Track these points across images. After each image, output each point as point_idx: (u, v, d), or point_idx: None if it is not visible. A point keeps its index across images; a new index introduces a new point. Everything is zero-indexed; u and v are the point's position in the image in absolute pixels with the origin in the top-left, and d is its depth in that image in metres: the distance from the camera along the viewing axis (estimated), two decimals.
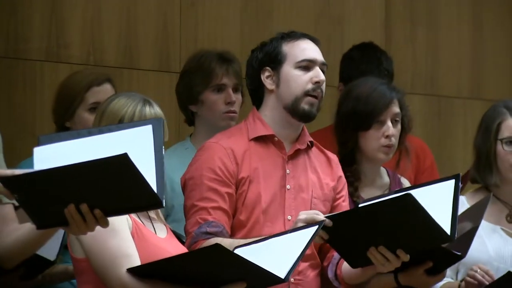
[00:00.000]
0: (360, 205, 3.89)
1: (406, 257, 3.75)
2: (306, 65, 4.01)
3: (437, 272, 3.99)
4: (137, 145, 3.26)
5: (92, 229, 3.18)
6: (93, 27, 5.54)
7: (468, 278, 4.16)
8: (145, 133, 3.28)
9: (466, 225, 4.00)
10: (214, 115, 4.67)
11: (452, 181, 3.89)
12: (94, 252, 3.49)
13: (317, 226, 3.57)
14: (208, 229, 3.86)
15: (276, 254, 3.53)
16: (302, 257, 3.49)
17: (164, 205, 3.23)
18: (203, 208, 3.89)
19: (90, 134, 3.35)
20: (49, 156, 3.29)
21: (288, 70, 4.03)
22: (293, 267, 3.44)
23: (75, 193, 3.14)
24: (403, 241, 3.81)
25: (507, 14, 6.78)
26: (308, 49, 4.06)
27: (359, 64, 5.21)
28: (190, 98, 4.71)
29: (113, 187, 3.13)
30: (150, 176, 3.15)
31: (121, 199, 3.17)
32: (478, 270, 4.14)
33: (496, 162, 4.35)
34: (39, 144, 3.32)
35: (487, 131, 4.38)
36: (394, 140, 4.24)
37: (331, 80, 5.11)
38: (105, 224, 3.16)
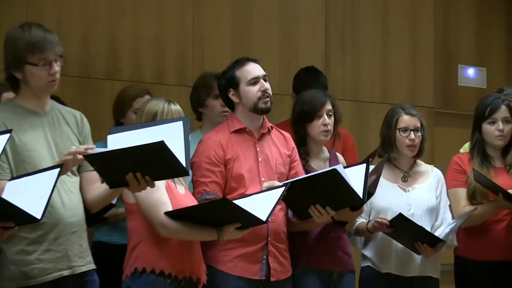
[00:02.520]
0: (302, 177, 3.95)
1: (332, 213, 3.92)
2: (254, 81, 4.07)
3: (358, 208, 4.09)
4: (173, 133, 3.39)
5: (144, 189, 3.37)
6: (136, 57, 5.57)
7: (377, 224, 4.26)
8: (179, 125, 3.42)
9: (373, 177, 4.10)
10: (214, 114, 4.73)
11: (364, 165, 4.00)
12: (143, 201, 3.61)
13: (284, 187, 3.68)
14: (207, 197, 3.91)
15: (259, 205, 3.58)
16: (275, 207, 3.61)
17: (189, 173, 3.43)
18: (203, 182, 3.97)
19: (142, 126, 3.49)
20: (117, 140, 3.39)
21: (244, 88, 4.07)
22: (270, 213, 3.56)
23: (132, 165, 3.28)
24: (332, 201, 3.90)
25: (407, 40, 6.80)
26: (252, 70, 4.09)
27: (305, 80, 5.27)
28: (198, 103, 4.80)
29: (157, 162, 3.25)
30: (181, 154, 3.31)
31: (163, 170, 3.32)
32: (383, 220, 4.22)
33: (395, 144, 4.43)
34: (110, 133, 3.45)
35: (389, 124, 4.45)
36: (330, 127, 4.28)
37: (290, 91, 5.43)
38: (153, 186, 3.36)
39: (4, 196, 3.10)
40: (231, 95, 4.12)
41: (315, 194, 3.88)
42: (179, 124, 3.42)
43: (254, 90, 4.07)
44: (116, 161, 3.26)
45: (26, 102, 3.54)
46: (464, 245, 4.57)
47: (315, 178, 3.88)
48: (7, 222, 3.15)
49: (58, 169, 3.18)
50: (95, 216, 4.00)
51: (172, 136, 3.36)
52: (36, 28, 3.48)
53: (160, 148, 3.19)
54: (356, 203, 3.98)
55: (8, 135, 3.21)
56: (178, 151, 3.31)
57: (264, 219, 3.54)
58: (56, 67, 3.49)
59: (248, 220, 3.57)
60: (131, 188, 3.35)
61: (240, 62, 4.14)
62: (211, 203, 3.69)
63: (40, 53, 3.43)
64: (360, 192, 3.89)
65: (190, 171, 3.42)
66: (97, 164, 3.27)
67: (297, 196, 3.86)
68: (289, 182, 3.82)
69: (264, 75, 4.13)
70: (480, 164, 4.53)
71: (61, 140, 3.51)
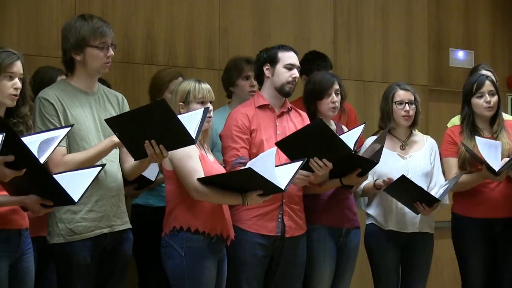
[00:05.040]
0: (293, 133, 3.94)
1: (329, 164, 3.90)
2: (290, 67, 4.14)
3: (363, 174, 4.14)
4: (196, 116, 3.42)
5: (161, 159, 3.39)
6: (170, 44, 5.48)
7: (382, 183, 4.28)
8: (200, 112, 3.44)
9: (376, 146, 4.14)
10: (243, 93, 4.73)
11: (361, 126, 4.08)
12: (179, 168, 3.64)
13: (302, 161, 3.66)
14: (241, 160, 3.97)
15: (279, 175, 3.57)
16: (294, 177, 3.61)
17: (195, 143, 3.39)
18: (234, 148, 4.02)
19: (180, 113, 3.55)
20: None
21: (280, 68, 4.13)
22: (289, 182, 3.56)
23: (145, 133, 3.27)
24: (326, 153, 3.87)
25: (404, 28, 6.65)
26: (292, 58, 4.17)
27: (312, 62, 5.12)
28: (229, 83, 4.81)
29: (165, 126, 3.24)
30: (193, 129, 3.33)
31: (172, 137, 3.29)
32: (389, 179, 4.23)
33: (393, 115, 4.43)
34: None
35: (387, 99, 4.46)
36: (337, 104, 4.30)
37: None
38: (167, 155, 3.35)
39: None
40: (266, 69, 4.16)
41: (310, 148, 3.84)
42: (201, 111, 3.48)
43: (287, 74, 4.13)
44: (130, 125, 3.28)
45: (78, 83, 3.62)
46: (459, 204, 4.63)
47: (305, 131, 3.88)
48: (47, 200, 3.13)
49: (99, 168, 3.22)
50: (141, 186, 4.22)
51: (194, 118, 3.43)
52: (96, 18, 3.61)
53: (162, 107, 3.22)
54: (345, 153, 3.91)
55: (69, 128, 3.23)
56: (194, 127, 3.36)
57: (283, 187, 3.54)
58: (112, 51, 3.61)
59: (269, 188, 3.57)
60: (150, 158, 3.37)
61: (285, 47, 4.21)
62: (238, 172, 3.68)
63: (101, 38, 3.55)
64: (351, 145, 3.90)
65: (195, 141, 3.20)
66: (118, 130, 3.30)
67: (299, 150, 3.80)
68: (284, 140, 3.85)
69: (298, 67, 4.21)
70: (469, 135, 4.50)
71: (104, 117, 3.52)
